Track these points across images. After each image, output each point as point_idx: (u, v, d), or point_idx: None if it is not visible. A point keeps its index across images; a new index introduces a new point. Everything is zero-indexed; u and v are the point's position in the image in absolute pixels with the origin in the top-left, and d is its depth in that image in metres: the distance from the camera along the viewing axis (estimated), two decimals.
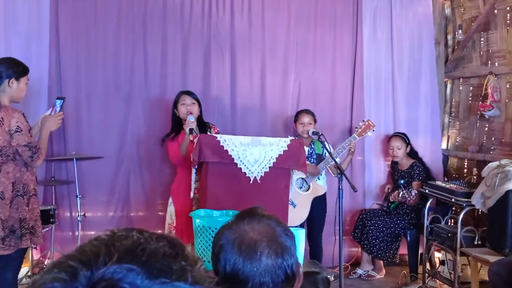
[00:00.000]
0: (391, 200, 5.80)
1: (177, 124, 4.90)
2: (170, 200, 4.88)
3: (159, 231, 1.10)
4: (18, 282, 4.67)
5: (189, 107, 4.80)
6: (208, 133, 4.78)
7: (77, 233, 5.32)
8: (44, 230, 5.41)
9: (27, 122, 3.88)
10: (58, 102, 4.20)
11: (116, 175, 5.77)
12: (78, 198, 5.26)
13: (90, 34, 5.68)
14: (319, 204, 5.52)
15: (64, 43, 5.61)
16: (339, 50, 6.25)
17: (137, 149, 5.77)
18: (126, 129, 5.76)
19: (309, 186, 5.46)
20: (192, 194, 4.42)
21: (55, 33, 5.58)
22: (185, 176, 4.72)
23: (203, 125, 4.90)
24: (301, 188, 5.45)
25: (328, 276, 5.14)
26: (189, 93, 4.92)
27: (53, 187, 5.53)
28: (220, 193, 4.04)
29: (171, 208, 4.84)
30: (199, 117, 4.90)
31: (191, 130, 4.52)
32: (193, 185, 4.44)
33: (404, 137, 5.95)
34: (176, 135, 4.86)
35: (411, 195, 5.50)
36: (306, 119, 5.51)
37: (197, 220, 3.33)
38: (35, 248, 4.90)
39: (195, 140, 4.30)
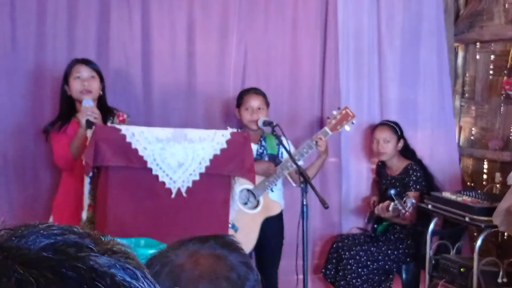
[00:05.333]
0: (377, 213, 5.79)
1: (68, 107, 4.90)
2: (51, 219, 4.83)
3: None
4: None
5: (85, 82, 4.79)
6: (109, 123, 4.74)
7: None
8: None
9: None
10: None
11: None
12: None
13: None
14: (273, 227, 5.54)
15: None
16: (303, 2, 6.28)
17: (3, 148, 5.67)
18: None
19: (258, 201, 5.48)
20: (84, 215, 4.38)
21: None
22: (74, 187, 4.69)
23: (105, 112, 4.89)
24: (246, 204, 5.46)
25: None
26: (86, 62, 4.93)
27: None
28: (126, 213, 4.03)
29: None
30: (101, 99, 4.90)
31: (89, 123, 4.46)
32: (85, 201, 4.40)
33: (394, 127, 6.02)
34: (64, 124, 4.83)
35: (407, 206, 5.49)
36: (255, 102, 5.52)
37: None
38: None
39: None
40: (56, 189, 5.05)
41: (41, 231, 0.83)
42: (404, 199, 5.54)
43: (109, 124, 4.70)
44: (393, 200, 5.55)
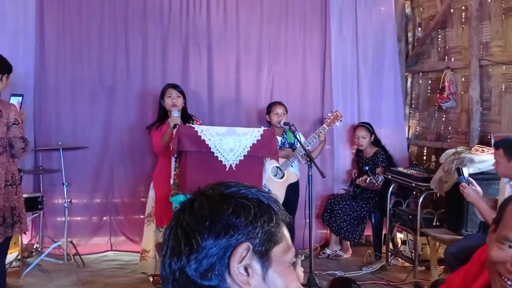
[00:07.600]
0: (358, 183, 5.79)
1: (163, 114, 4.96)
2: (152, 185, 4.93)
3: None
4: (8, 265, 4.67)
5: (174, 100, 4.86)
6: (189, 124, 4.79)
7: (64, 218, 5.29)
8: (33, 216, 5.37)
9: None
10: None
11: (101, 163, 5.75)
12: (64, 186, 5.23)
13: (74, 31, 5.64)
14: (292, 190, 5.53)
15: (49, 40, 5.58)
16: (309, 46, 6.26)
17: (120, 139, 5.75)
18: (109, 120, 5.74)
19: (283, 174, 5.48)
20: (172, 181, 4.44)
21: (41, 31, 5.55)
22: (165, 164, 4.75)
23: (187, 118, 4.94)
24: (276, 175, 5.46)
25: (300, 256, 5.20)
26: (175, 86, 4.97)
27: (40, 176, 5.49)
28: (198, 180, 4.02)
29: (152, 193, 4.90)
30: (183, 109, 4.94)
31: (175, 126, 4.53)
32: (173, 172, 4.45)
33: (368, 127, 5.98)
34: (160, 124, 4.90)
35: (378, 180, 5.51)
36: (280, 110, 5.55)
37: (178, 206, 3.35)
38: (24, 233, 4.84)
39: (174, 131, 4.32)
40: (154, 166, 5.11)
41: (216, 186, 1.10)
42: (377, 175, 5.54)
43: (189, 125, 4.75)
44: (369, 175, 5.56)
